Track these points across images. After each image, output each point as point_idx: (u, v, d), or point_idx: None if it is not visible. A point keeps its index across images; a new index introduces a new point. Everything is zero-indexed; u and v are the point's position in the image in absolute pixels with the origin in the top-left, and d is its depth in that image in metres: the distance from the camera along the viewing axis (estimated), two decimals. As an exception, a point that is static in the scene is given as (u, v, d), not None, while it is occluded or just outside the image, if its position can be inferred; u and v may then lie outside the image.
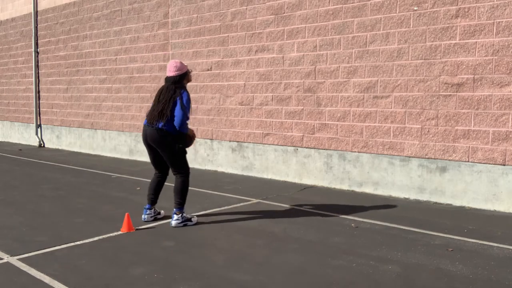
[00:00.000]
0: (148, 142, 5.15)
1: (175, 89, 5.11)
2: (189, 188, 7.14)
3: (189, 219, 5.21)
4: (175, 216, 5.14)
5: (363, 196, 6.62)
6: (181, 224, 5.14)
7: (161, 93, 5.15)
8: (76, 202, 6.25)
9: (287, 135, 7.69)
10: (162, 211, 5.59)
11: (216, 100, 8.66)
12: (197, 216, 5.52)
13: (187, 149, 5.30)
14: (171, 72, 5.16)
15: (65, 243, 4.51)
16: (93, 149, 11.55)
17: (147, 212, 5.36)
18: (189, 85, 9.12)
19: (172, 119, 5.02)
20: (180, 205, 5.14)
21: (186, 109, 5.03)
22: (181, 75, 5.18)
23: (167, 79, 5.18)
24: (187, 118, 5.07)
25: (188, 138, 5.17)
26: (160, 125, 5.01)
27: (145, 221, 5.33)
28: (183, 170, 5.18)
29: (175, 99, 5.03)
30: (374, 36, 6.62)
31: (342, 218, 5.44)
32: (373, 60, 6.66)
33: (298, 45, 7.45)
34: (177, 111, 4.99)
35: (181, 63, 5.20)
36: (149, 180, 7.80)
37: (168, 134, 5.03)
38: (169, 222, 5.21)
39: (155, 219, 5.39)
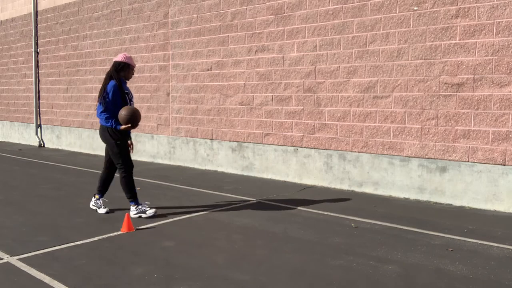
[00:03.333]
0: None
1: (110, 75, 5.25)
2: (190, 188, 7.13)
3: (144, 211, 5.41)
4: (132, 208, 5.43)
5: (363, 196, 6.62)
6: (137, 215, 5.39)
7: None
8: (76, 202, 6.25)
9: (287, 135, 7.69)
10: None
11: (216, 100, 8.66)
12: (197, 216, 5.53)
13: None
14: (118, 58, 5.30)
15: (65, 243, 4.51)
16: (93, 149, 11.55)
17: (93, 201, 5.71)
18: (189, 85, 9.13)
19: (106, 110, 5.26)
20: (131, 199, 5.39)
21: (103, 102, 5.15)
22: (124, 65, 5.28)
23: (113, 64, 5.31)
24: (105, 111, 5.18)
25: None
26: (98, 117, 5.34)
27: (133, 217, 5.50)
28: (122, 164, 5.34)
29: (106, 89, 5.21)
30: (374, 36, 6.62)
31: (342, 218, 5.44)
32: (373, 60, 6.66)
33: (298, 45, 7.45)
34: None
35: (132, 58, 5.36)
36: (149, 180, 7.81)
37: (106, 128, 5.29)
38: (165, 223, 5.22)
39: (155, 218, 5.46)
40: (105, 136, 5.30)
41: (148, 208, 5.45)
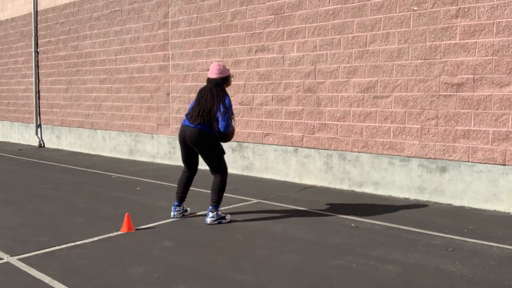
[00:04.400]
0: (186, 141, 5.22)
1: (217, 92, 5.17)
2: (191, 188, 7.13)
3: (223, 217, 5.29)
4: (210, 214, 5.23)
5: (363, 196, 6.62)
6: (216, 222, 5.23)
7: (201, 94, 5.22)
8: (76, 202, 6.25)
9: (287, 135, 7.69)
10: (188, 209, 5.67)
11: (216, 100, 8.65)
12: (197, 216, 5.53)
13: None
14: (213, 74, 5.24)
15: (65, 243, 4.51)
16: (93, 149, 11.55)
17: (176, 209, 5.47)
18: (189, 85, 9.14)
19: (212, 121, 5.10)
20: (216, 203, 5.23)
21: (229, 113, 5.13)
22: (223, 78, 5.26)
23: (209, 80, 5.27)
24: (230, 122, 5.17)
25: (227, 137, 5.30)
26: (202, 125, 5.11)
27: (174, 218, 5.43)
28: (221, 170, 5.27)
29: (218, 103, 5.11)
30: (374, 36, 6.63)
31: (342, 218, 5.44)
32: (373, 60, 6.66)
33: (298, 45, 7.45)
34: (222, 116, 5.07)
35: (224, 66, 5.28)
36: (149, 180, 7.81)
37: (208, 134, 5.13)
38: (165, 223, 5.22)
39: (183, 216, 5.53)
40: (206, 141, 5.13)
41: (224, 215, 5.35)
